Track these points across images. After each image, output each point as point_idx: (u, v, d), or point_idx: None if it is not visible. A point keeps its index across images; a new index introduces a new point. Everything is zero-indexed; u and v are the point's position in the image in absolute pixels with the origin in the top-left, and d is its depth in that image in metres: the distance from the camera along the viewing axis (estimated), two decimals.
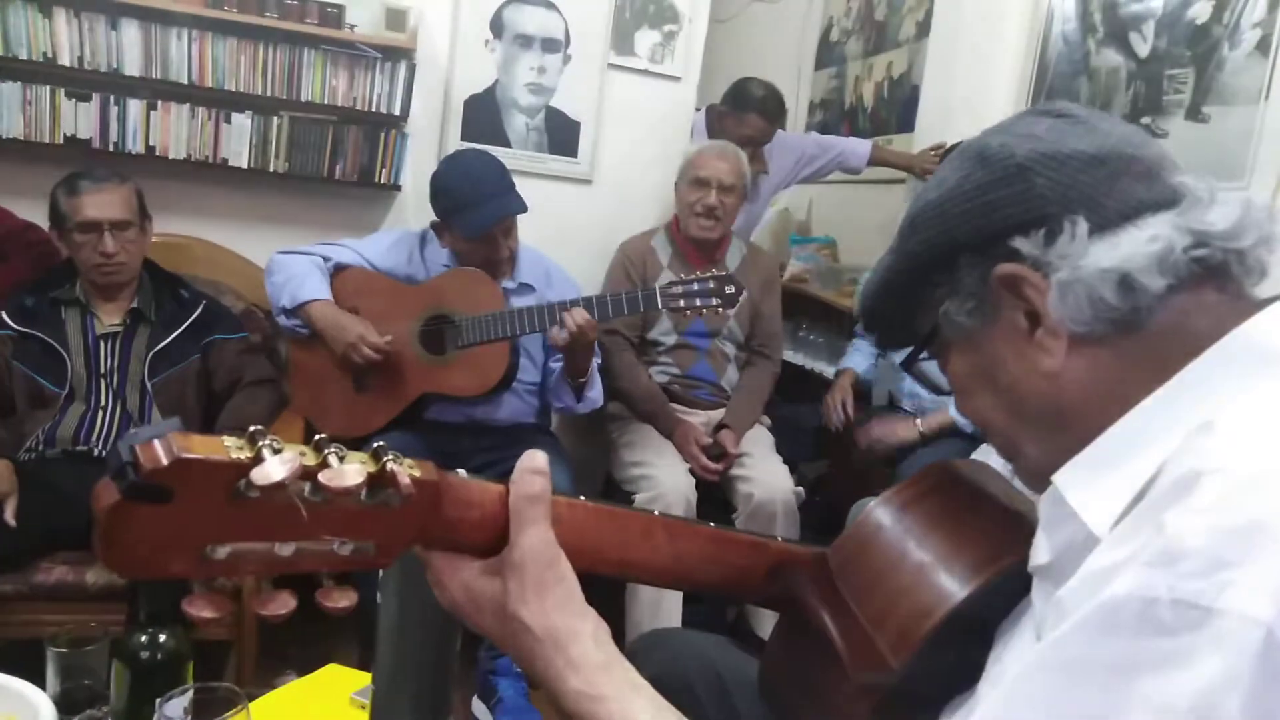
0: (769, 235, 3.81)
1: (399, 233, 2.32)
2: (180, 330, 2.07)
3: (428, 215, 2.21)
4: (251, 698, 0.91)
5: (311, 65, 2.34)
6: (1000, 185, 0.63)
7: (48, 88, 2.19)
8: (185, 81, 2.26)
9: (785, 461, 2.45)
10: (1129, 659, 0.47)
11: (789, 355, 3.05)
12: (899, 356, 0.79)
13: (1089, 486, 0.59)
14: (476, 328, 2.05)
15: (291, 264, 2.15)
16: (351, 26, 2.37)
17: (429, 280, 2.18)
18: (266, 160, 2.36)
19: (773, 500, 2.29)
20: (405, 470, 0.57)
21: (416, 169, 2.48)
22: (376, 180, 2.45)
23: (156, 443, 0.49)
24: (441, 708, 0.85)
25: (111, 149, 2.25)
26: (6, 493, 1.76)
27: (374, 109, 2.39)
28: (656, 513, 0.73)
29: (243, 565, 0.55)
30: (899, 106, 3.47)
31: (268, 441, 0.52)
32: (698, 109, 2.92)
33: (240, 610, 1.84)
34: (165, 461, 0.48)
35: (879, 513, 0.75)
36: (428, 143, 2.58)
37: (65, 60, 2.18)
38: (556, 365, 2.23)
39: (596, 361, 2.22)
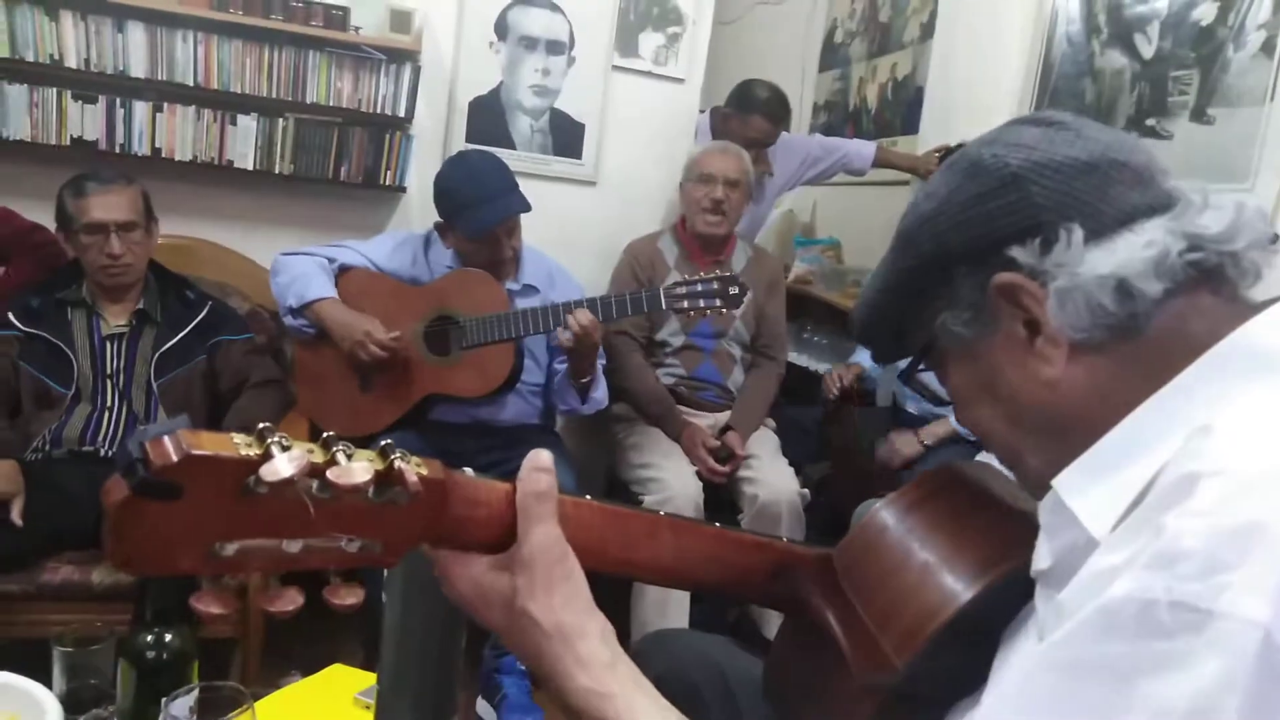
0: (774, 237, 3.81)
1: (403, 234, 2.32)
2: (186, 331, 2.07)
3: (432, 217, 2.21)
4: (257, 697, 0.91)
5: (316, 67, 2.34)
6: (995, 195, 0.63)
7: (54, 90, 2.20)
8: (191, 83, 2.27)
9: (790, 463, 2.45)
10: (1128, 661, 0.47)
11: (793, 357, 3.05)
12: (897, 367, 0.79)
13: (1088, 491, 0.59)
14: (481, 329, 2.06)
15: (296, 264, 2.16)
16: (356, 29, 2.38)
17: (433, 281, 2.19)
18: (272, 162, 2.37)
19: (778, 502, 2.28)
20: (413, 468, 0.57)
21: (421, 171, 2.48)
22: (381, 182, 2.46)
23: (166, 439, 0.49)
24: (446, 706, 0.85)
25: (117, 151, 2.26)
26: (13, 493, 1.76)
27: (379, 111, 2.40)
28: (662, 513, 0.73)
29: (250, 562, 0.55)
30: (903, 108, 3.47)
31: (276, 439, 0.52)
32: (702, 111, 2.92)
33: (246, 608, 1.84)
34: (175, 458, 0.49)
35: (884, 514, 0.75)
36: (432, 145, 2.58)
37: (71, 62, 2.19)
38: (561, 367, 2.23)
39: (601, 363, 2.22)
